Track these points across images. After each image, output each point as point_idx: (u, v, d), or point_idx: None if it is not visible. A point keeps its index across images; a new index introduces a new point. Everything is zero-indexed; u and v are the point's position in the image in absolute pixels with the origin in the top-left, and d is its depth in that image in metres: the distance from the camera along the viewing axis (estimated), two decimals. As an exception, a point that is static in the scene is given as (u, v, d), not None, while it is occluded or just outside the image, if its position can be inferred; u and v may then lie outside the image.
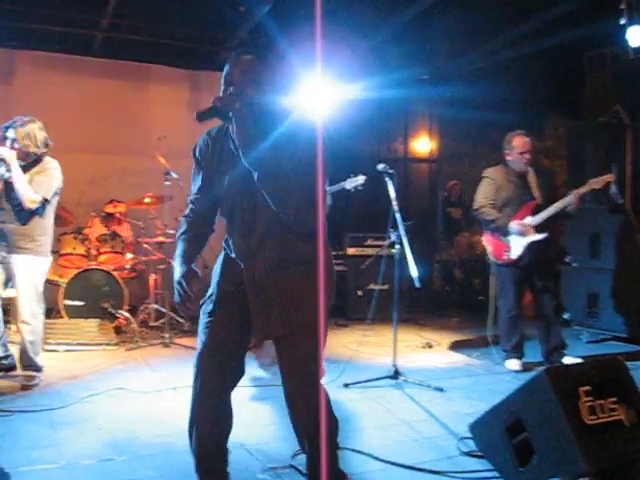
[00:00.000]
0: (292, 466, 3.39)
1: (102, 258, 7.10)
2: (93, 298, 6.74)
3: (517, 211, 5.52)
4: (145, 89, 8.49)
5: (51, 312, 7.08)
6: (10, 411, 4.26)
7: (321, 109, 7.29)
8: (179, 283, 2.68)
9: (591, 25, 6.71)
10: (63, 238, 7.10)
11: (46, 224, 4.98)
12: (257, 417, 4.26)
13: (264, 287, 2.65)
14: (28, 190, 4.74)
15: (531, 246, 5.42)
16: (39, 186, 4.82)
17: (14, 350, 5.14)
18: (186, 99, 8.50)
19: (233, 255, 2.74)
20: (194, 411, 2.74)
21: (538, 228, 5.42)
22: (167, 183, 6.67)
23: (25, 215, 4.82)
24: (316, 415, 2.65)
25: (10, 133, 4.87)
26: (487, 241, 5.76)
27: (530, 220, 5.44)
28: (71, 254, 7.02)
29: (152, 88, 8.52)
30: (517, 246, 5.46)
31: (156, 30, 7.83)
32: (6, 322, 6.59)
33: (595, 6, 6.61)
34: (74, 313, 6.66)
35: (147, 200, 7.21)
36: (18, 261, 4.84)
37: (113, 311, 6.70)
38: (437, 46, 8.29)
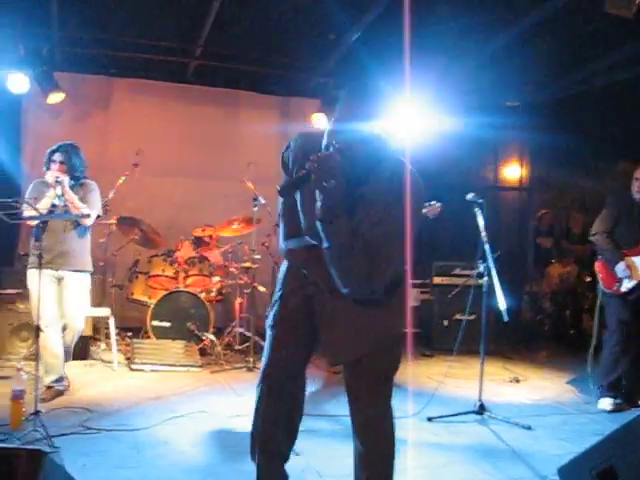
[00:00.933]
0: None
1: (190, 281, 7.21)
2: (180, 320, 6.84)
3: (634, 246, 5.29)
4: (236, 115, 8.64)
5: (139, 332, 7.26)
6: (96, 429, 4.34)
7: (410, 139, 7.25)
8: None
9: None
10: (153, 260, 7.27)
11: (88, 242, 5.44)
12: (338, 449, 4.18)
13: (334, 307, 2.61)
14: (84, 208, 5.11)
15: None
16: (92, 204, 5.24)
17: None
18: (276, 125, 8.59)
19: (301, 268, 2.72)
20: (256, 429, 2.75)
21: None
22: (255, 209, 6.73)
23: (75, 234, 5.23)
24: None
25: (57, 157, 5.22)
26: (599, 269, 5.55)
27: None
28: (160, 276, 7.17)
29: (243, 114, 8.67)
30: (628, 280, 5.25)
31: (247, 58, 7.96)
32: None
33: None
34: (161, 334, 6.78)
35: (235, 225, 7.30)
36: (70, 277, 5.17)
37: (199, 333, 6.78)
38: (530, 72, 8.10)
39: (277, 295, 2.81)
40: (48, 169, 5.21)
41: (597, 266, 5.57)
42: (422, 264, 7.21)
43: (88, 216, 5.16)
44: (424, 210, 5.51)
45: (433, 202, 5.47)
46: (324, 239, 2.46)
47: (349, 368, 2.73)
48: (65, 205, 5.09)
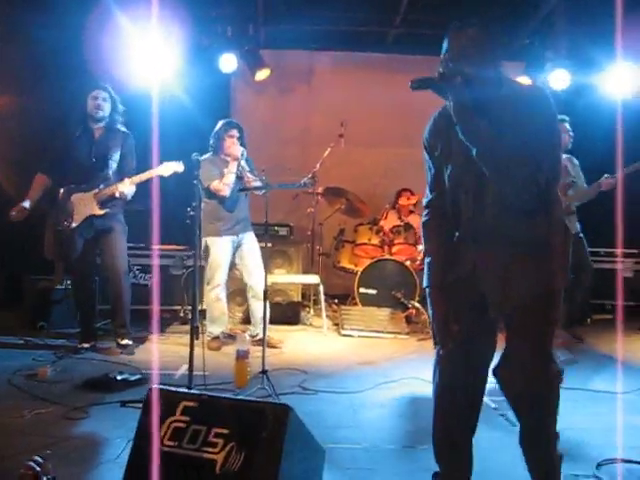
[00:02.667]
0: (596, 477, 3.13)
1: (395, 249, 7.26)
2: (386, 287, 6.92)
3: None
4: (436, 81, 8.51)
5: (345, 299, 7.44)
6: (313, 390, 4.50)
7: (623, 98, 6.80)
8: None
9: None
10: (359, 229, 7.40)
11: None
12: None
13: (498, 267, 2.51)
14: (255, 180, 5.50)
15: None
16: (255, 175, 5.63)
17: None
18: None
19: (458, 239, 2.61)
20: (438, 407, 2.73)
21: None
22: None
23: (246, 203, 5.77)
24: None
25: (235, 133, 5.61)
26: None
27: None
28: (366, 244, 7.29)
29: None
30: None
31: (447, 23, 7.78)
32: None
33: None
34: (367, 301, 6.90)
35: (439, 192, 7.22)
36: (250, 239, 5.74)
37: (405, 301, 6.82)
38: None
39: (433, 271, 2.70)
40: (219, 140, 5.62)
41: None
42: (637, 231, 6.71)
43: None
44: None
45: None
46: (470, 145, 2.42)
47: (507, 320, 2.60)
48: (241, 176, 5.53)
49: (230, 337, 5.85)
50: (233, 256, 5.69)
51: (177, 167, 5.17)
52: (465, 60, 2.47)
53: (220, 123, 5.71)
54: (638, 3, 6.09)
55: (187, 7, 6.63)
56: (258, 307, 5.51)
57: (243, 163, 5.49)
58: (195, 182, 4.10)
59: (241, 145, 5.58)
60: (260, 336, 5.58)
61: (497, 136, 2.38)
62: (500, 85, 2.52)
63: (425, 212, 2.77)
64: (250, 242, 5.72)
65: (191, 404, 2.37)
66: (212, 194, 5.56)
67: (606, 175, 5.60)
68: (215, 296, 5.64)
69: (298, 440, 2.39)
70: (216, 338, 5.65)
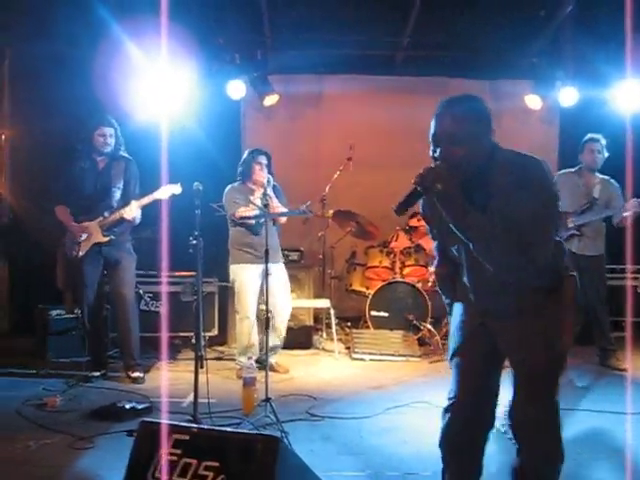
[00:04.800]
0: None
1: (406, 271, 7.24)
2: (397, 310, 6.88)
3: None
4: (445, 102, 8.50)
5: (357, 322, 7.42)
6: (320, 416, 4.49)
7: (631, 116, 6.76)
8: None
9: None
10: (370, 251, 7.39)
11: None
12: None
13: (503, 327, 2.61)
14: (280, 207, 5.52)
15: None
16: (284, 204, 5.65)
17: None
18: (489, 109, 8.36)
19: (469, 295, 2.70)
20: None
21: None
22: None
23: (274, 231, 5.63)
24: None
25: (263, 160, 5.62)
26: None
27: None
28: (377, 267, 7.27)
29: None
30: None
31: (454, 44, 7.82)
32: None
33: None
34: (379, 324, 6.86)
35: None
36: (277, 270, 5.58)
37: (417, 323, 6.79)
38: None
39: (456, 325, 2.82)
40: (247, 167, 5.64)
41: None
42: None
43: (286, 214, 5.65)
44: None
45: None
46: (467, 241, 2.47)
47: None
48: (267, 204, 5.36)
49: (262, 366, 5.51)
50: (260, 285, 5.58)
51: (175, 189, 5.26)
52: (450, 141, 2.46)
53: (247, 151, 5.77)
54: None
55: (195, 34, 6.71)
56: (275, 336, 5.63)
57: (269, 191, 5.43)
58: (197, 212, 4.12)
59: (269, 173, 5.58)
60: (271, 360, 5.63)
61: (491, 229, 2.40)
62: (491, 157, 2.50)
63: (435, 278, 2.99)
64: (278, 274, 5.59)
65: (182, 437, 2.38)
66: (236, 222, 5.59)
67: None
68: (244, 326, 5.59)
69: (290, 471, 2.37)
70: (241, 368, 5.54)
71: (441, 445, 2.77)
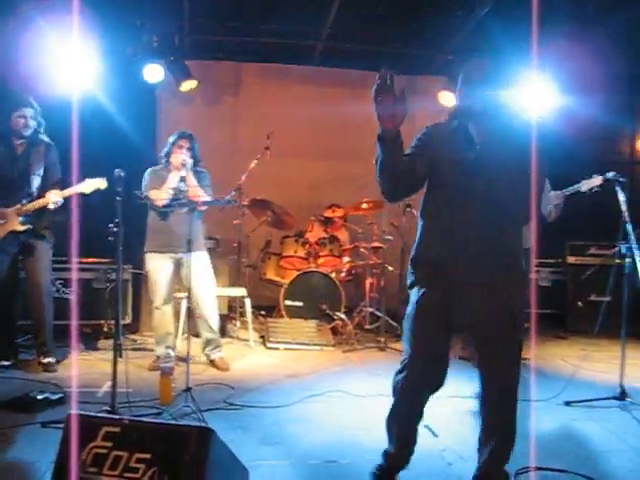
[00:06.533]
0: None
1: (321, 261, 7.33)
2: (312, 299, 6.96)
3: None
4: (363, 96, 8.53)
5: (272, 311, 7.45)
6: (239, 405, 4.50)
7: (539, 109, 7.05)
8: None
9: None
10: (285, 241, 7.44)
11: (202, 225, 5.64)
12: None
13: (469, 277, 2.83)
14: (203, 195, 5.25)
15: None
16: (207, 190, 5.40)
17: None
18: (402, 104, 8.49)
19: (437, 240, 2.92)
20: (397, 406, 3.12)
21: None
22: (384, 190, 6.70)
23: (193, 218, 5.13)
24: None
25: (184, 142, 5.39)
26: None
27: None
28: (292, 256, 7.33)
29: (369, 95, 8.58)
30: None
31: (373, 38, 7.92)
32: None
33: None
34: (294, 313, 6.94)
35: (364, 206, 7.34)
36: (192, 259, 5.11)
37: (330, 313, 6.89)
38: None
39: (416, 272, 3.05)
40: (169, 153, 5.42)
41: None
42: (553, 243, 6.94)
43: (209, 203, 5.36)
44: (578, 185, 5.37)
45: (595, 177, 5.29)
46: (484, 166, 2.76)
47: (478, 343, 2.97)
48: (186, 190, 5.24)
49: (182, 359, 5.13)
50: (176, 275, 5.46)
51: (100, 184, 5.08)
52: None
53: (174, 134, 5.53)
54: (557, 22, 6.35)
55: (111, 15, 6.54)
56: (205, 328, 5.52)
57: (190, 175, 5.25)
58: (118, 198, 4.03)
59: (193, 157, 5.36)
60: (212, 356, 5.58)
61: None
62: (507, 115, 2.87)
63: None
64: (195, 263, 5.12)
65: (113, 429, 2.36)
66: (151, 206, 5.37)
67: None
68: (157, 315, 5.44)
69: (221, 462, 2.40)
70: (159, 358, 5.38)
71: (395, 392, 3.12)
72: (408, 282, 3.05)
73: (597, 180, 5.13)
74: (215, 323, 5.54)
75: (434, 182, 2.96)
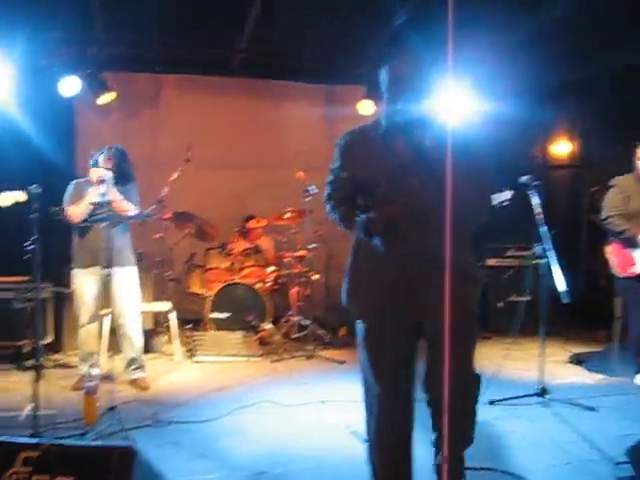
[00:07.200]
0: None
1: (245, 272, 7.31)
2: (238, 311, 6.94)
3: None
4: (282, 105, 8.62)
5: (198, 324, 7.38)
6: (167, 421, 4.45)
7: (455, 116, 7.21)
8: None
9: None
10: (209, 253, 7.40)
11: (130, 238, 5.50)
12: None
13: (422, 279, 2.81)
14: (129, 208, 5.19)
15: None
16: (133, 202, 5.31)
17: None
18: (322, 113, 8.58)
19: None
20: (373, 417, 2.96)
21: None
22: (307, 199, 6.75)
23: (117, 232, 5.19)
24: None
25: (102, 156, 5.26)
26: (612, 253, 5.57)
27: None
28: (216, 269, 7.30)
29: (289, 104, 8.65)
30: None
31: (291, 48, 7.96)
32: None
33: None
34: (220, 325, 6.90)
35: (287, 215, 7.36)
36: (117, 274, 5.13)
37: (255, 324, 6.88)
38: (583, 45, 7.93)
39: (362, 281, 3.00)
40: (92, 167, 5.24)
41: (610, 250, 5.61)
42: (474, 246, 7.11)
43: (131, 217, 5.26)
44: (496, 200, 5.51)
45: (506, 191, 5.44)
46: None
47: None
48: (109, 203, 5.08)
49: (108, 378, 5.11)
50: (103, 292, 5.27)
51: (19, 197, 4.92)
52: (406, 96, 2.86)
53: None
54: (475, 30, 6.52)
55: (25, 27, 6.37)
56: (127, 347, 5.40)
57: (112, 189, 5.05)
58: (32, 216, 3.92)
59: (120, 172, 5.23)
60: (133, 376, 5.44)
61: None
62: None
63: (329, 205, 3.02)
64: (120, 279, 5.20)
65: (32, 454, 2.30)
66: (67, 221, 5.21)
67: None
68: (81, 333, 5.26)
69: (147, 480, 2.37)
70: (83, 377, 5.10)
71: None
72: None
73: (507, 194, 5.33)
74: (138, 342, 5.44)
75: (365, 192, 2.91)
